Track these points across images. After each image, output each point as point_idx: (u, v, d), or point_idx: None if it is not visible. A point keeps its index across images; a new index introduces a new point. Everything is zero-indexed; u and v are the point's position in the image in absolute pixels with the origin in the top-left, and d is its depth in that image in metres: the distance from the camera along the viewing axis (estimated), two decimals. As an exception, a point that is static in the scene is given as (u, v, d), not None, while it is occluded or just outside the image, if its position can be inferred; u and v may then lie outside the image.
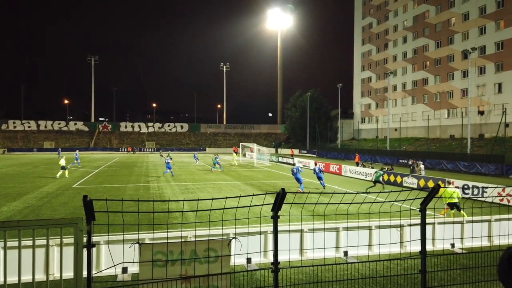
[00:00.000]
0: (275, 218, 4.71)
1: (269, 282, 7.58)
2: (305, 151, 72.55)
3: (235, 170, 37.20)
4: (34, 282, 4.33)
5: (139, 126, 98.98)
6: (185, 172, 34.63)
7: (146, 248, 4.48)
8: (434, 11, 63.32)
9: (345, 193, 7.15)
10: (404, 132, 64.95)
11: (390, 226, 9.64)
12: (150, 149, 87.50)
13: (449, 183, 15.89)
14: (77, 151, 49.53)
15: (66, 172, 28.48)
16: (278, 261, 4.86)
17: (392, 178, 26.05)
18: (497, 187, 17.64)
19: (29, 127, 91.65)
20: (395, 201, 7.22)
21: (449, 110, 60.01)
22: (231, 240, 4.69)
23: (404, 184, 24.66)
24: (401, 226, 9.89)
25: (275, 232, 4.70)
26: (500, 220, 10.75)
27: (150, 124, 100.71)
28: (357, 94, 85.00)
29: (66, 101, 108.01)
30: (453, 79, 59.46)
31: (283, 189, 4.54)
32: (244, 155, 61.19)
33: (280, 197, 4.55)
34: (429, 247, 9.72)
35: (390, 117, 61.67)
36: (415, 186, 23.44)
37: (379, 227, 9.75)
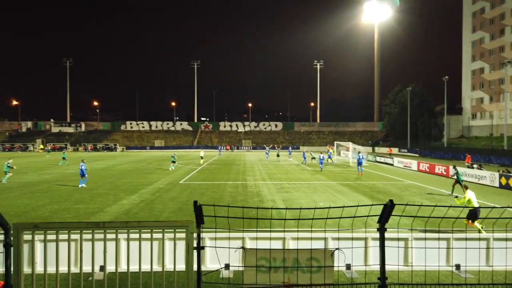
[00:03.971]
0: (381, 231, 4.46)
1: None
2: (406, 150, 68.07)
3: (330, 169, 36.54)
4: (152, 273, 4.77)
5: (237, 126, 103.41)
6: (280, 170, 35.13)
7: (250, 253, 4.61)
8: None
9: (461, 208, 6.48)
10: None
11: (506, 239, 8.50)
12: (246, 147, 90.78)
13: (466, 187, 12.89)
14: (290, 148, 65.90)
15: (202, 160, 44.50)
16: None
17: (511, 182, 23.00)
18: None
19: (143, 127, 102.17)
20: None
21: None
22: (334, 251, 4.58)
23: (528, 190, 21.57)
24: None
25: (382, 245, 4.44)
26: None
27: (246, 123, 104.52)
28: (466, 87, 76.88)
29: (173, 103, 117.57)
30: None
31: (391, 201, 4.27)
32: (339, 153, 59.77)
33: (388, 209, 4.29)
34: None
35: (507, 112, 54.50)
36: (542, 193, 20.39)
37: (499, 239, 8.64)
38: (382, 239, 4.45)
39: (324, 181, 27.18)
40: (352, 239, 8.03)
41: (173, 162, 36.08)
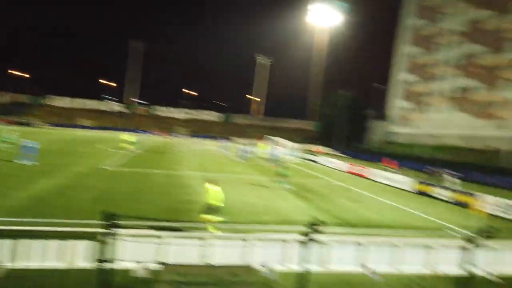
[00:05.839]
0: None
1: None
2: (339, 151, 71.44)
3: (262, 164, 37.08)
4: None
5: (174, 112, 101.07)
6: (213, 162, 34.89)
7: (169, 269, 4.39)
8: (491, 18, 59.84)
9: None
10: (438, 139, 62.47)
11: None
12: (183, 135, 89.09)
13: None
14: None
15: (132, 146, 40.07)
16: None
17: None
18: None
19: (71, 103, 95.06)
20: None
21: (497, 121, 56.92)
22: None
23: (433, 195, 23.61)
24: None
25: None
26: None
27: (184, 110, 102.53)
28: (394, 96, 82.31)
29: (110, 84, 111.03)
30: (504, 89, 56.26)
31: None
32: (270, 149, 60.80)
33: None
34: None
35: (428, 123, 59.35)
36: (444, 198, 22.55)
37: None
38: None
39: (255, 175, 27.48)
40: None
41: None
